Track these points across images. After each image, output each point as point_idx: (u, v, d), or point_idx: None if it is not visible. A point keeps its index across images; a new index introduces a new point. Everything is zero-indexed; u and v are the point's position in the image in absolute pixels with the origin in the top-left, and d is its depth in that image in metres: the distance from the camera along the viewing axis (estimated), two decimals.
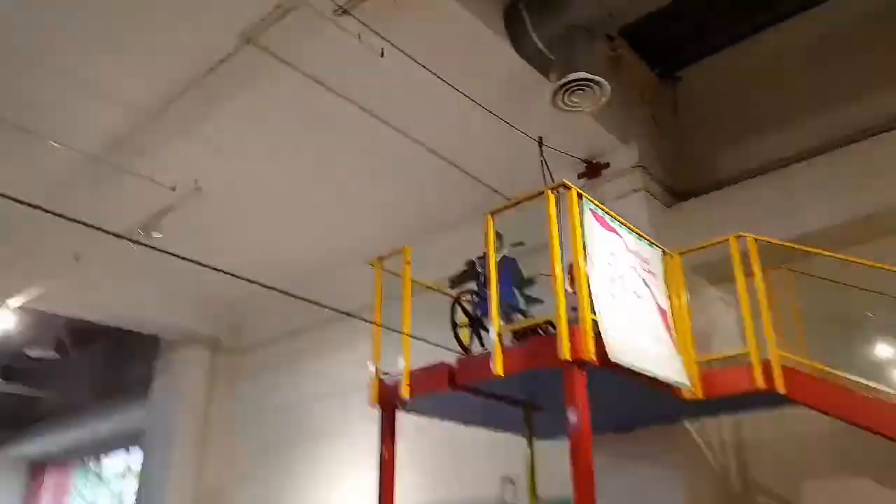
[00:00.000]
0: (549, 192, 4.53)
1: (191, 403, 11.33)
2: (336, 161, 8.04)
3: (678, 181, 7.69)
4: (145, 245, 6.53)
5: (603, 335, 4.23)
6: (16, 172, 7.47)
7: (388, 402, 4.98)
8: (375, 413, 10.31)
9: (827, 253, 5.21)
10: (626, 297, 4.71)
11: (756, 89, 7.54)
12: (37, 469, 18.02)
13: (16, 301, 9.21)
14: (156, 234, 7.35)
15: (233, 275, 4.04)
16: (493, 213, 4.79)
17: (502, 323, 4.58)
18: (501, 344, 4.41)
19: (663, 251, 5.51)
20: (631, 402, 5.06)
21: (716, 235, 5.88)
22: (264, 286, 4.11)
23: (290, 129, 7.35)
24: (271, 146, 7.61)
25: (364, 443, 9.86)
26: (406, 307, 5.06)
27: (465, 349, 5.01)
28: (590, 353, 4.12)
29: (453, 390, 4.65)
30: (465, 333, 5.27)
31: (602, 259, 4.58)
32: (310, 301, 4.31)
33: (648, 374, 4.51)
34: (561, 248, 4.39)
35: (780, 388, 4.88)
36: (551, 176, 6.68)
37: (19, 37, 6.00)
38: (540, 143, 6.56)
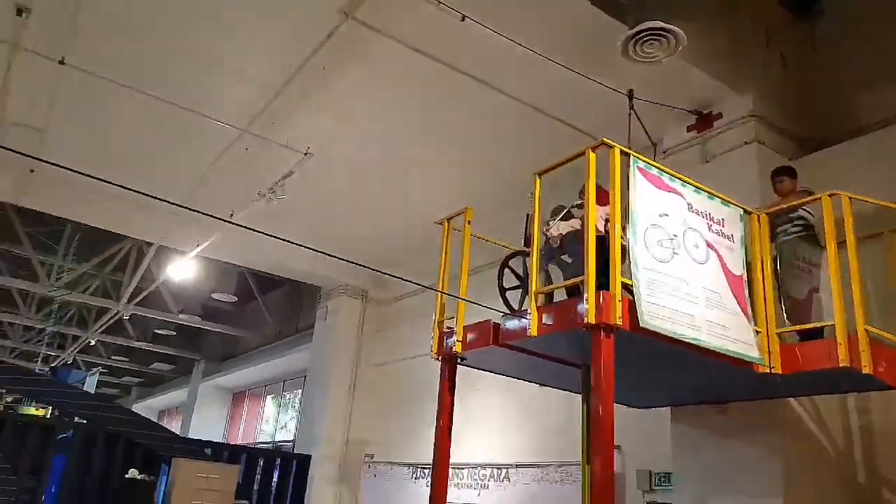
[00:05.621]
0: (591, 151, 4.41)
1: (343, 346, 12.53)
2: (441, 123, 8.15)
3: (808, 129, 6.89)
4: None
5: (637, 299, 4.11)
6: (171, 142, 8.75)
7: (447, 355, 5.25)
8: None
9: None
10: (680, 260, 4.47)
11: None
12: (237, 396, 21.04)
13: (193, 251, 10.75)
14: (280, 196, 7.96)
15: (315, 250, 4.91)
16: (540, 174, 4.76)
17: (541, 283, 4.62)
18: (537, 304, 4.46)
19: (744, 210, 5.08)
20: (703, 374, 4.82)
21: (849, 189, 5.20)
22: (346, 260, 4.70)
23: (395, 95, 7.67)
24: (380, 113, 8.04)
25: (486, 398, 10.18)
26: (465, 265, 5.24)
27: (513, 309, 5.09)
28: (617, 317, 4.02)
29: (498, 347, 4.79)
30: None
31: (647, 220, 4.38)
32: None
33: (693, 342, 4.28)
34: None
35: (866, 365, 4.36)
36: (646, 130, 6.38)
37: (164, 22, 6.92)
38: (630, 97, 6.25)
